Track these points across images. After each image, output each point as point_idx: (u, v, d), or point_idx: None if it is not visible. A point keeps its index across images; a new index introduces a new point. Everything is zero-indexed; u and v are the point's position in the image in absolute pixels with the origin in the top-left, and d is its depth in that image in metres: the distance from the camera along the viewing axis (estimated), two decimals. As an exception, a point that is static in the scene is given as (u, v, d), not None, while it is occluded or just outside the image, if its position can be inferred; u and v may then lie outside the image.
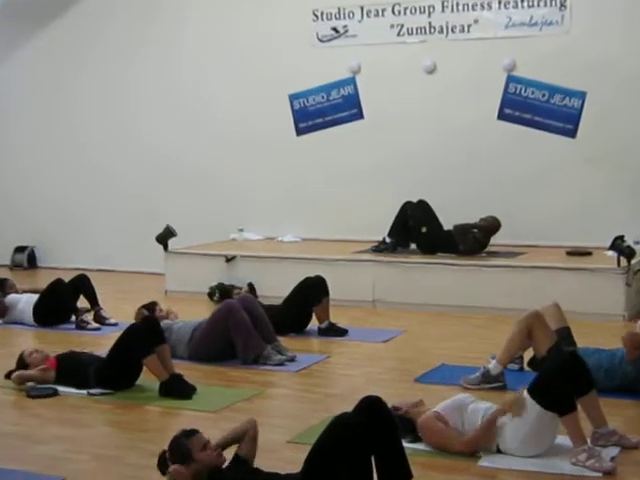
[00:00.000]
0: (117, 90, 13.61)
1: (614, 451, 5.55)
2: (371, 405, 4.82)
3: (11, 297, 9.99)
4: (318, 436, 4.71)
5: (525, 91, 11.27)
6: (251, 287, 10.47)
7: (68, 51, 13.87)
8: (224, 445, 5.01)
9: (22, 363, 7.45)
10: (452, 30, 11.72)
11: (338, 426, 4.65)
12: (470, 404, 5.73)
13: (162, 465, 4.90)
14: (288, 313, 9.06)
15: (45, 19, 13.95)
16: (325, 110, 12.28)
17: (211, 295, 10.53)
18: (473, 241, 10.69)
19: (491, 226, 10.78)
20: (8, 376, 7.35)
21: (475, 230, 10.73)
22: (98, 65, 13.68)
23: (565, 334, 7.06)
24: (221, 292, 10.12)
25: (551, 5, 11.23)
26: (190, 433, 4.88)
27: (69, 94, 13.88)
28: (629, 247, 9.57)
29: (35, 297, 9.83)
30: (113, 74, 13.58)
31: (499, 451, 5.52)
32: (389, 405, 5.02)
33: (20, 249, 14.25)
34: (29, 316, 9.67)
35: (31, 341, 9.00)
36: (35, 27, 14.04)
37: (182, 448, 4.82)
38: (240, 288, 9.97)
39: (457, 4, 11.65)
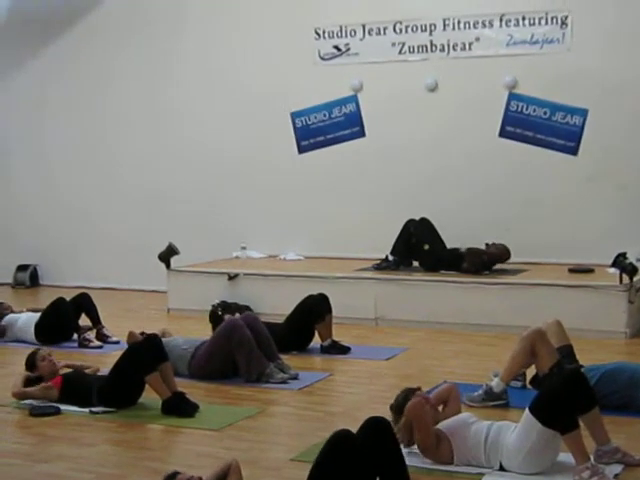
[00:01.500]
0: (103, 114, 13.67)
1: (617, 468, 5.54)
2: (377, 426, 4.81)
3: (9, 317, 9.97)
4: (318, 454, 4.69)
5: (527, 109, 11.29)
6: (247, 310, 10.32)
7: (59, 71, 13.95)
8: None
9: (32, 364, 7.50)
10: (453, 48, 11.75)
11: (336, 444, 4.64)
12: (473, 424, 5.72)
13: None
14: (290, 331, 9.05)
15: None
16: (327, 128, 12.30)
17: (213, 313, 10.47)
18: (479, 263, 10.66)
19: (501, 254, 10.75)
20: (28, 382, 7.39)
21: (485, 256, 10.71)
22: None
23: (567, 352, 7.06)
24: (214, 320, 9.69)
25: (552, 23, 11.25)
26: (172, 475, 4.88)
27: (64, 111, 13.94)
28: (631, 264, 9.56)
29: (36, 315, 9.83)
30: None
31: (502, 468, 5.51)
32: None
33: (22, 267, 14.25)
34: (31, 334, 9.66)
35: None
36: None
37: None
38: (233, 314, 9.70)
39: (458, 22, 11.68)
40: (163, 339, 7.94)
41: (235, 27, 12.84)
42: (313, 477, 4.67)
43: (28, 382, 7.41)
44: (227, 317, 9.25)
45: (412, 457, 5.57)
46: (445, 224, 11.02)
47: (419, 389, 5.98)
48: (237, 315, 9.49)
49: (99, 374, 7.63)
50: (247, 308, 10.42)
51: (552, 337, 7.02)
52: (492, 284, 10.20)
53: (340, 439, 4.69)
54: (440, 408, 6.07)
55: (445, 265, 10.80)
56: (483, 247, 10.81)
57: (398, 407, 5.82)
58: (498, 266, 10.78)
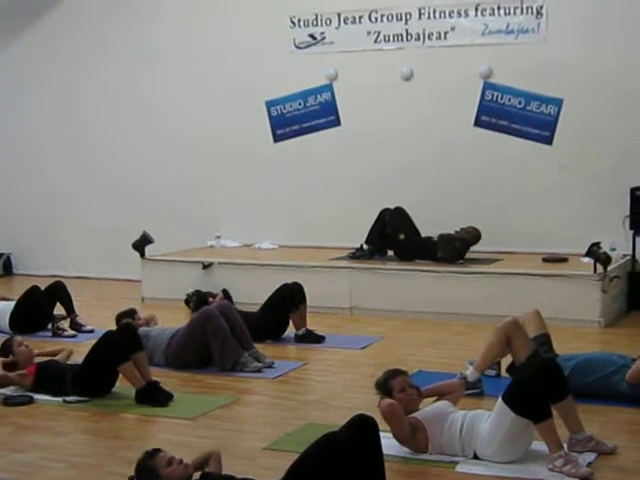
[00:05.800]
0: (80, 101, 13.59)
1: (591, 457, 5.56)
2: (363, 425, 4.75)
3: None
4: (304, 453, 4.62)
5: (502, 98, 11.31)
6: (226, 293, 10.43)
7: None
8: (194, 467, 4.97)
9: (7, 349, 7.47)
10: (429, 37, 11.74)
11: (327, 449, 4.55)
12: (450, 414, 5.71)
13: None
14: (265, 320, 9.05)
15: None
16: (302, 117, 12.28)
17: (188, 302, 10.48)
18: (453, 250, 10.69)
19: (473, 238, 10.82)
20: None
21: (458, 242, 10.74)
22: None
23: (543, 341, 7.07)
24: (198, 300, 10.02)
25: (527, 13, 11.27)
26: (153, 453, 4.87)
27: (31, 102, 13.85)
28: (605, 254, 9.60)
29: (9, 304, 9.77)
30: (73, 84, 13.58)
31: (476, 457, 5.53)
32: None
33: (-5, 256, 14.19)
34: (5, 323, 9.61)
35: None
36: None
37: (148, 468, 4.81)
38: (215, 295, 9.92)
39: (434, 11, 11.67)
40: (141, 329, 7.94)
41: (211, 15, 12.79)
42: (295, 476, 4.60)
43: (3, 368, 7.38)
44: (209, 299, 9.34)
45: (389, 446, 5.54)
46: (420, 213, 11.03)
47: (405, 373, 5.97)
48: (219, 296, 9.59)
49: (72, 363, 7.59)
50: (224, 292, 10.45)
51: (529, 326, 7.04)
52: (467, 273, 10.23)
53: (328, 444, 4.58)
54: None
55: (420, 254, 10.81)
56: (453, 233, 10.86)
57: (379, 385, 5.87)
58: (473, 255, 10.81)
